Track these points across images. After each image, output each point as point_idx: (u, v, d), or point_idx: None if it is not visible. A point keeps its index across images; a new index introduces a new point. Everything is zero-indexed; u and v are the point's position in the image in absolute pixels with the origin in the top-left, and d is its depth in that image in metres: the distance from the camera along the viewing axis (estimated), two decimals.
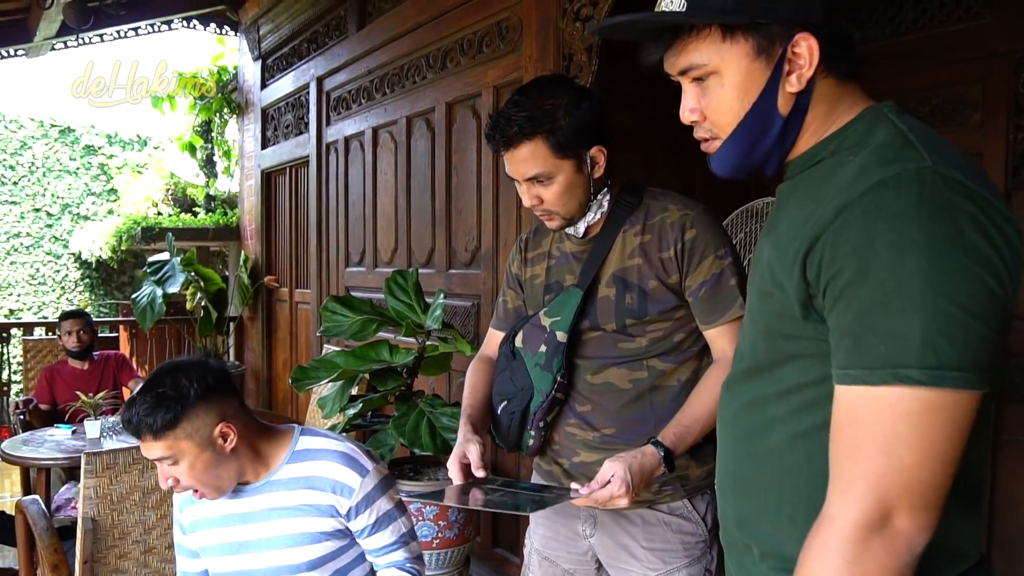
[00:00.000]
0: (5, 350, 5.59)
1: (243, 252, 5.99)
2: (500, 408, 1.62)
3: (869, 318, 0.74)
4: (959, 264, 0.71)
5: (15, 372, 5.90)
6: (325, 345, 4.26)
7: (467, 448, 1.44)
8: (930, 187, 0.73)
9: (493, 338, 1.77)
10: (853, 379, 0.76)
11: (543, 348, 1.54)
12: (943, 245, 0.71)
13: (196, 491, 1.40)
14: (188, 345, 6.09)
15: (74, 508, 3.43)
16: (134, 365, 4.57)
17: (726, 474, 1.00)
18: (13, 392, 5.59)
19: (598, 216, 1.52)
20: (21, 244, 9.75)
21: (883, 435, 0.73)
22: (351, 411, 2.80)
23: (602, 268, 1.51)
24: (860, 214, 0.75)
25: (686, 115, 0.94)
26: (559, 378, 1.53)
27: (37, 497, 2.58)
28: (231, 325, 5.93)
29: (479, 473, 1.41)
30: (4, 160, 9.66)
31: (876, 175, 0.76)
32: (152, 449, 1.35)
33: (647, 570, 1.50)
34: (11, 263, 9.69)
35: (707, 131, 0.93)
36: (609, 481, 1.29)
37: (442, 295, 2.58)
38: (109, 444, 3.55)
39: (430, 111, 3.54)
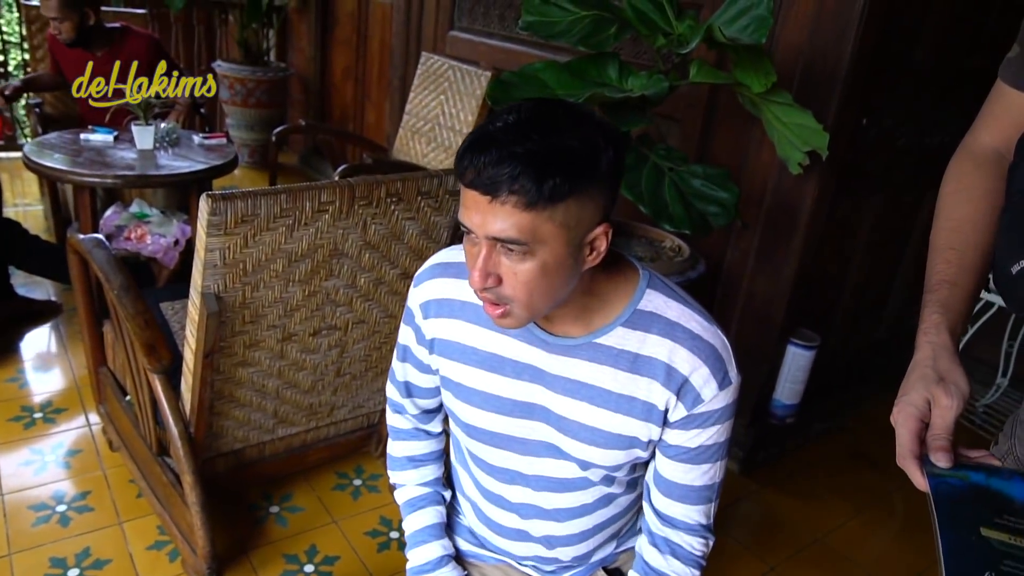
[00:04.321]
0: None
1: None
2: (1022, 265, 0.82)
3: None
4: None
5: (13, 52, 4.81)
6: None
7: (935, 392, 0.76)
8: None
9: (993, 122, 0.94)
10: None
11: None
12: None
13: (502, 307, 0.86)
14: (222, 40, 4.98)
15: (128, 239, 2.67)
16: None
17: None
18: (11, 66, 4.57)
19: None
20: None
21: None
22: None
23: None
24: None
25: None
26: None
27: (102, 237, 1.78)
28: (275, 18, 4.79)
29: (941, 462, 0.72)
30: None
31: None
32: (500, 218, 0.79)
33: None
34: None
35: None
36: None
37: None
38: (166, 160, 2.69)
39: None
